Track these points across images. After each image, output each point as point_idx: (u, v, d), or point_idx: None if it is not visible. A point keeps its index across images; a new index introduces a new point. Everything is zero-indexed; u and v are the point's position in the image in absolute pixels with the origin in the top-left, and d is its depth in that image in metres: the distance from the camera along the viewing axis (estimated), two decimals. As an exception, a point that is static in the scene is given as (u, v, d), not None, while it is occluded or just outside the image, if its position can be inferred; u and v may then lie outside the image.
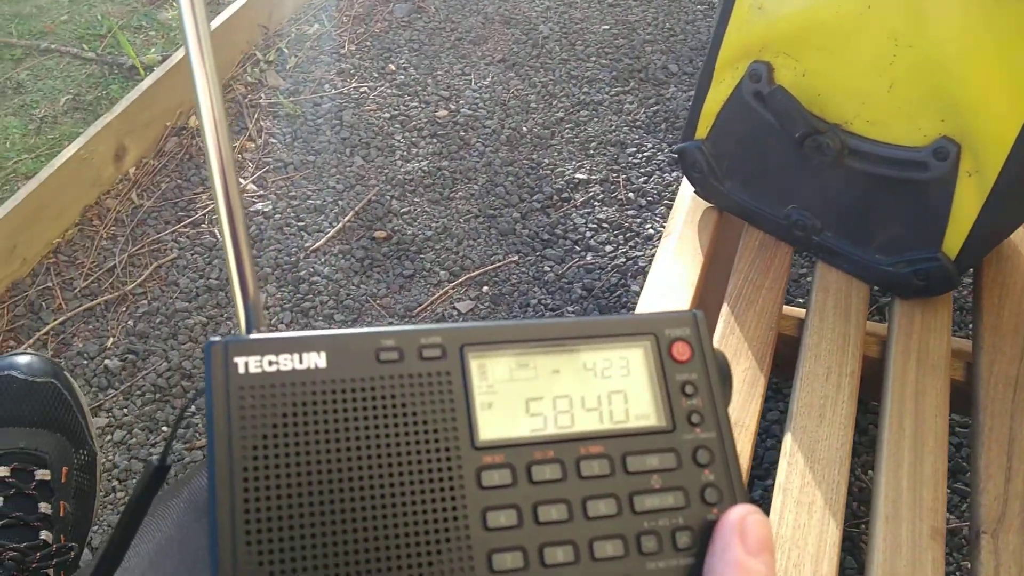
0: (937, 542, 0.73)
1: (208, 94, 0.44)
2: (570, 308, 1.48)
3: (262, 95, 1.90)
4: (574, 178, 1.72)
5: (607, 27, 2.12)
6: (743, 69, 0.90)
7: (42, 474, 0.91)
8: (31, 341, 1.38)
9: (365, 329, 0.32)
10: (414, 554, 0.29)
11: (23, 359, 0.98)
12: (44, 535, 0.88)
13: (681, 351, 0.34)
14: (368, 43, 2.07)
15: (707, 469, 0.33)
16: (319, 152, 1.77)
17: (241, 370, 0.30)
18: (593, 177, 1.72)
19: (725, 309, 0.89)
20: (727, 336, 0.87)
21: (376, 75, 1.97)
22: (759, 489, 1.19)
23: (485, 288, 1.52)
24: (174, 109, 1.79)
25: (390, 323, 1.45)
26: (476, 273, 1.54)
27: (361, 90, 1.93)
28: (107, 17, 2.10)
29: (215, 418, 0.29)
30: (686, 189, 1.03)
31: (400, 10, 2.16)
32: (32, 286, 1.47)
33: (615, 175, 1.73)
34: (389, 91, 1.93)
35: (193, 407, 1.30)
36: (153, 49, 1.99)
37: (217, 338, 0.30)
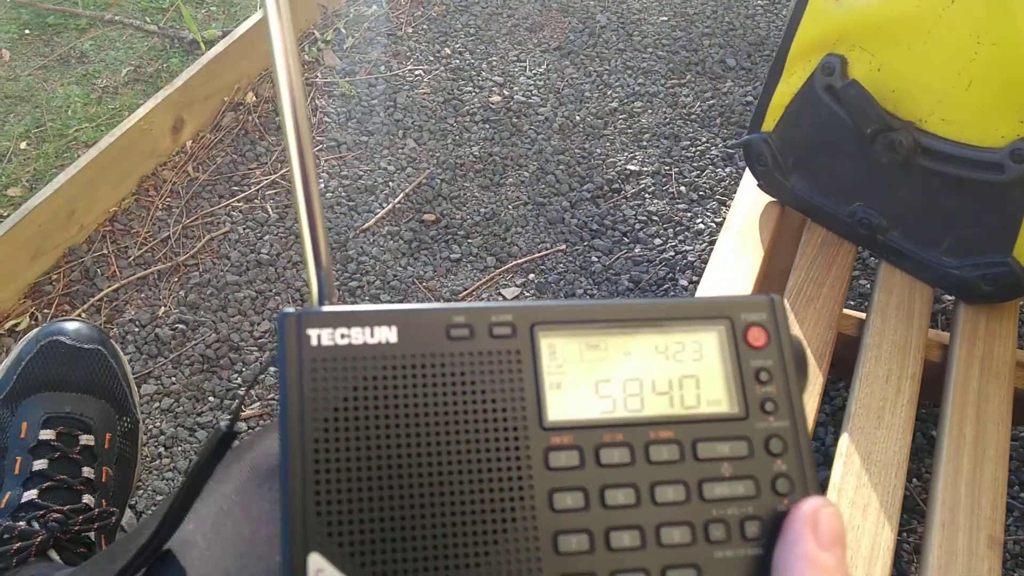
0: (994, 551, 0.72)
1: (285, 56, 0.44)
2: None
3: (318, 74, 1.90)
4: (626, 169, 1.71)
5: (665, 19, 2.10)
6: (816, 62, 0.88)
7: (86, 439, 0.92)
8: (85, 306, 1.40)
9: (436, 305, 0.32)
10: (480, 532, 0.29)
11: (71, 325, 0.99)
12: (86, 499, 0.89)
13: (757, 337, 0.34)
14: (425, 26, 2.07)
15: (779, 459, 0.32)
16: (372, 133, 1.77)
17: (314, 342, 0.30)
18: (645, 169, 1.71)
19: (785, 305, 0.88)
20: (786, 332, 0.86)
21: (431, 58, 1.97)
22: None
23: (531, 276, 1.52)
24: (232, 84, 1.80)
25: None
26: (523, 260, 1.54)
27: (416, 73, 1.93)
28: (169, -9, 2.12)
29: (288, 389, 0.29)
30: (748, 182, 1.02)
31: (457, -6, 2.16)
32: (88, 252, 1.49)
33: (667, 168, 1.72)
34: (444, 75, 1.92)
35: (239, 378, 1.31)
36: (214, 24, 2.00)
37: (291, 310, 0.31)
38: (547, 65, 1.96)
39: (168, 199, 1.61)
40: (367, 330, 0.30)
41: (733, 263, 0.91)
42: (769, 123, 0.95)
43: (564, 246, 1.57)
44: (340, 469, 0.29)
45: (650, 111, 1.85)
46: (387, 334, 0.31)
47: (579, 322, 0.33)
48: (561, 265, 1.54)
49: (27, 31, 1.98)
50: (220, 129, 1.75)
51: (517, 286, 1.50)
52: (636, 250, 1.56)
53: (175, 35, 1.96)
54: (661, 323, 0.34)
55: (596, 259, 1.55)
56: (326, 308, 0.31)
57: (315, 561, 0.28)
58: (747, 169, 1.00)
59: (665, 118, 1.83)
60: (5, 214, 1.51)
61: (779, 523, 0.31)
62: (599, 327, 0.33)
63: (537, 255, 1.55)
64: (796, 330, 0.86)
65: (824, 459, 1.20)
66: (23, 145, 1.70)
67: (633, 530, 0.31)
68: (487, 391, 0.31)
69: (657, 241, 1.58)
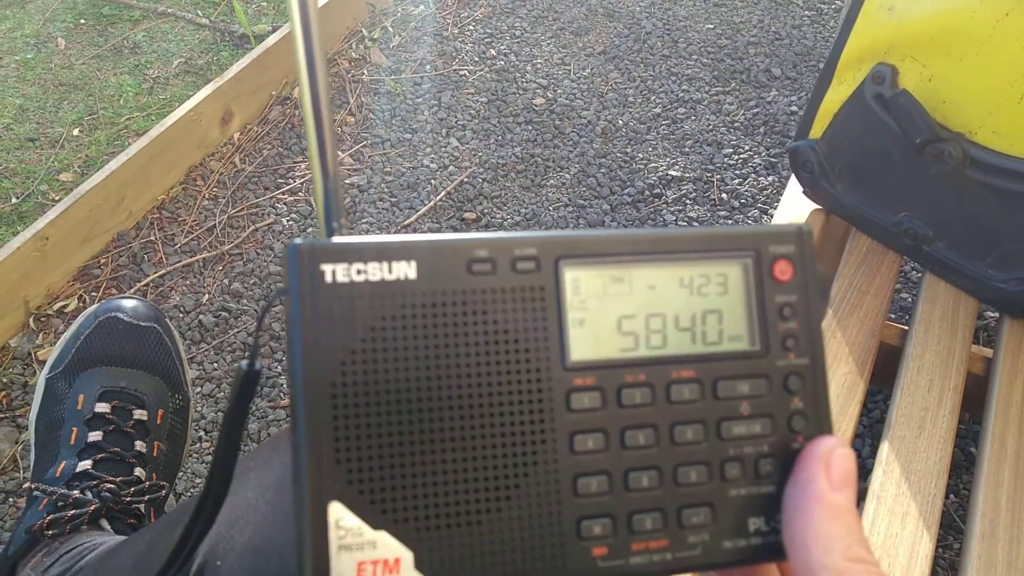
0: (1034, 565, 0.71)
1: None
2: (655, 304, 1.48)
3: (365, 71, 1.93)
4: (667, 175, 1.71)
5: (711, 26, 2.10)
6: (866, 71, 0.88)
7: (139, 414, 0.94)
8: (132, 291, 1.42)
9: (457, 236, 0.30)
10: (501, 476, 0.29)
11: (128, 303, 1.02)
12: (138, 472, 0.91)
13: (783, 270, 0.33)
14: (471, 27, 2.09)
15: (797, 397, 0.32)
16: (416, 131, 1.79)
17: (328, 279, 0.28)
18: (687, 175, 1.71)
19: (827, 312, 0.88)
20: (828, 340, 0.86)
21: (476, 59, 1.99)
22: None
23: (571, 277, 1.53)
24: (280, 79, 1.83)
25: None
26: (563, 261, 1.55)
27: (461, 73, 1.94)
28: (221, -14, 2.15)
29: (302, 330, 0.28)
30: (793, 189, 1.02)
31: (504, -3, 2.17)
32: (136, 238, 1.52)
33: (709, 175, 1.72)
34: (488, 76, 1.94)
35: (279, 367, 1.33)
36: (264, 19, 2.03)
37: (300, 240, 0.29)
38: (591, 69, 1.97)
39: (215, 189, 1.64)
40: (384, 265, 0.29)
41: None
42: (816, 130, 0.95)
43: (603, 249, 1.57)
44: (359, 414, 0.28)
45: (693, 118, 1.85)
46: (406, 269, 0.29)
47: (606, 254, 0.32)
48: (599, 268, 1.54)
49: (82, 21, 2.03)
50: (267, 122, 1.78)
51: (555, 287, 1.51)
52: (675, 255, 1.56)
53: (226, 29, 2.00)
54: (688, 254, 0.32)
55: (635, 263, 1.55)
56: (339, 239, 0.29)
57: (335, 510, 0.27)
58: (792, 176, 1.01)
59: (708, 125, 1.83)
60: (57, 198, 1.55)
61: (792, 461, 0.31)
62: (625, 259, 0.32)
63: (576, 257, 1.56)
64: (837, 338, 0.86)
65: (860, 470, 1.20)
66: (76, 132, 1.74)
67: (651, 470, 0.31)
68: (510, 330, 0.30)
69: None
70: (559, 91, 1.91)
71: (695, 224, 1.61)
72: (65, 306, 1.39)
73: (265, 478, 0.52)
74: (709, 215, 1.63)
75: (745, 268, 0.33)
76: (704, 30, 2.09)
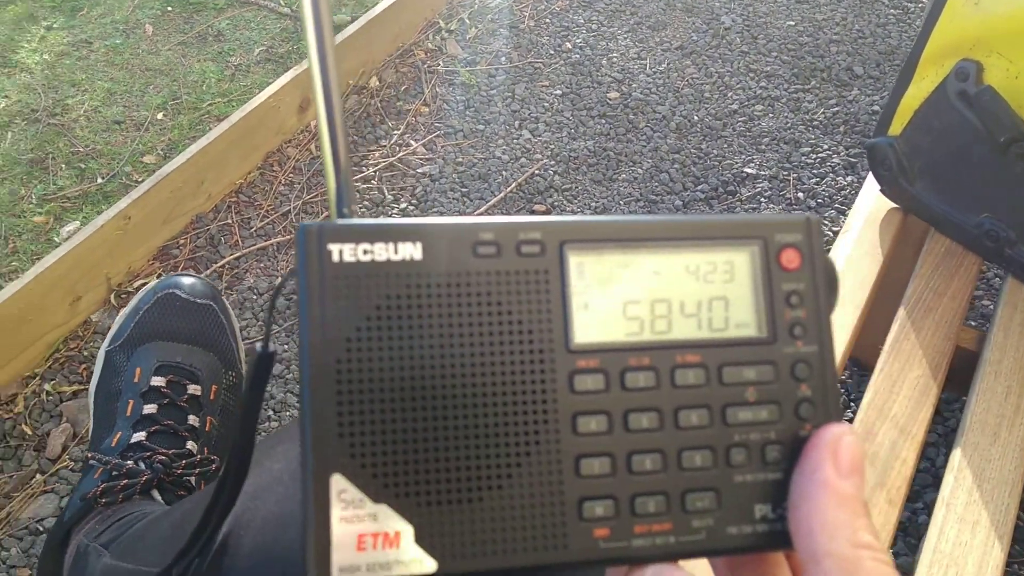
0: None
1: None
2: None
3: (440, 62, 1.94)
4: (742, 172, 1.69)
5: (792, 23, 2.06)
6: (949, 67, 0.85)
7: (193, 389, 0.97)
8: (208, 271, 1.46)
9: (463, 219, 0.30)
10: (503, 455, 0.29)
11: (186, 280, 1.04)
12: (190, 445, 0.94)
13: (790, 259, 0.32)
14: (547, 20, 2.08)
15: (804, 384, 0.32)
16: (489, 122, 1.80)
17: (335, 258, 0.29)
18: (762, 173, 1.68)
19: (901, 313, 0.86)
20: (901, 341, 0.84)
21: (552, 52, 1.98)
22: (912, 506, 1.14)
23: (640, 272, 1.52)
24: (357, 69, 1.86)
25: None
26: (632, 256, 1.54)
27: (536, 66, 1.94)
28: (303, -24, 2.19)
29: (309, 307, 0.29)
30: (870, 187, 1.00)
31: (582, -10, 2.17)
32: (214, 221, 1.56)
33: (785, 173, 1.69)
34: (563, 69, 1.94)
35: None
36: (344, 10, 2.06)
37: (310, 222, 0.30)
38: (668, 64, 1.95)
39: (291, 175, 1.67)
40: (391, 246, 0.29)
41: (850, 268, 0.90)
42: (896, 127, 0.92)
43: (673, 245, 1.56)
44: (363, 390, 0.28)
45: (771, 115, 1.82)
46: (411, 250, 0.30)
47: (610, 240, 0.32)
48: (669, 264, 1.53)
49: (169, 8, 2.09)
50: (343, 111, 1.80)
51: (623, 282, 1.50)
52: (746, 254, 1.54)
53: (307, 19, 2.03)
54: (694, 242, 0.32)
55: (705, 260, 1.53)
56: (347, 221, 0.30)
57: (337, 482, 0.28)
58: (869, 174, 0.98)
59: (786, 123, 1.80)
60: (140, 180, 1.60)
61: (799, 448, 0.31)
62: (631, 245, 0.32)
63: (645, 252, 1.55)
64: (911, 340, 0.83)
65: (933, 480, 1.16)
66: (160, 116, 1.79)
67: (655, 454, 0.30)
68: (514, 312, 0.30)
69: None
70: (634, 85, 1.89)
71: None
72: (145, 283, 1.44)
73: (290, 451, 0.53)
74: (785, 213, 1.60)
75: (752, 256, 0.33)
76: (785, 27, 2.05)
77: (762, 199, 1.63)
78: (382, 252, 0.29)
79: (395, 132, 1.76)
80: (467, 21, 2.06)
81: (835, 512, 0.27)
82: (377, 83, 1.86)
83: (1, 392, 1.38)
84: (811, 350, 0.32)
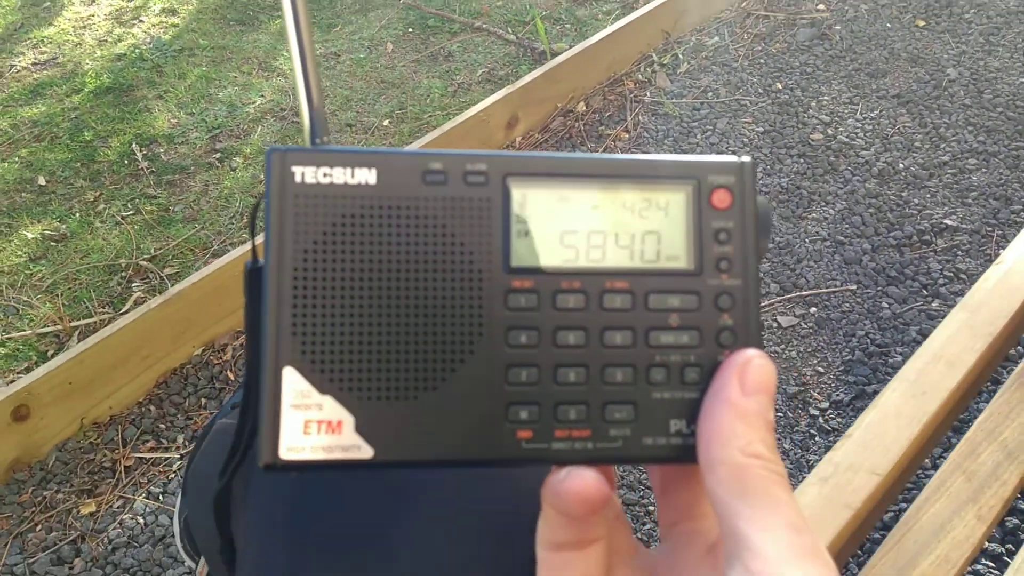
0: None
1: None
2: (899, 348, 1.41)
3: (648, 93, 2.01)
4: (941, 223, 1.62)
5: (1025, 80, 1.96)
6: None
7: None
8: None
9: (415, 150, 0.32)
10: (440, 360, 0.32)
11: None
12: None
13: (721, 198, 0.34)
14: (762, 60, 2.10)
15: (727, 314, 0.33)
16: (685, 152, 1.84)
17: (298, 179, 0.31)
18: (963, 226, 1.61)
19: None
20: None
21: (761, 91, 2.00)
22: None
23: (813, 309, 1.50)
24: (567, 93, 1.96)
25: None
26: (808, 293, 1.52)
27: (742, 102, 1.96)
28: (534, 7, 2.34)
29: (271, 221, 0.31)
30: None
31: (804, 35, 2.16)
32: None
33: (990, 229, 1.60)
34: (769, 107, 1.94)
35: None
36: (565, 39, 2.18)
37: (279, 146, 0.32)
38: (880, 111, 1.91)
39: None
40: (348, 170, 0.32)
41: (995, 294, 0.87)
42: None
43: (855, 287, 1.53)
44: (316, 296, 0.31)
45: (984, 170, 1.74)
46: (367, 175, 0.32)
47: (552, 175, 0.33)
48: (847, 304, 1.50)
49: (410, 30, 2.29)
50: (548, 131, 1.91)
51: (796, 316, 1.49)
52: (934, 304, 1.48)
53: (529, 45, 2.17)
54: (631, 180, 0.34)
55: (887, 305, 1.49)
56: (312, 147, 0.32)
57: (289, 374, 0.31)
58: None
59: (1000, 179, 1.71)
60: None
61: (716, 372, 0.33)
62: (571, 180, 0.34)
63: (824, 290, 1.52)
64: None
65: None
66: (386, 122, 1.98)
67: (579, 368, 0.32)
68: (457, 234, 0.32)
69: (960, 300, 1.48)
70: (840, 128, 1.87)
71: (961, 277, 1.52)
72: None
73: None
74: (982, 269, 1.52)
75: (686, 194, 0.34)
76: (1016, 83, 1.95)
77: (959, 252, 1.56)
78: (340, 176, 0.32)
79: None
80: (680, 57, 2.12)
81: (732, 424, 0.29)
82: (584, 108, 1.96)
83: (216, 341, 1.58)
84: (735, 283, 0.34)
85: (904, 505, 1.21)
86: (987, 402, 0.79)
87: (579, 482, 0.29)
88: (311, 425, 0.31)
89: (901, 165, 1.76)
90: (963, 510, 0.68)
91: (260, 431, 0.31)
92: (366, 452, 0.31)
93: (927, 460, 1.23)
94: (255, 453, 0.34)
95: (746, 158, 0.35)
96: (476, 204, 0.33)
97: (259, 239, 0.43)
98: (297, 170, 0.31)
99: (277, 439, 0.30)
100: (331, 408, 0.31)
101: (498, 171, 0.33)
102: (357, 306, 0.31)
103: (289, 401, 0.31)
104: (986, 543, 0.73)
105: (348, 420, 0.31)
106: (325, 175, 0.32)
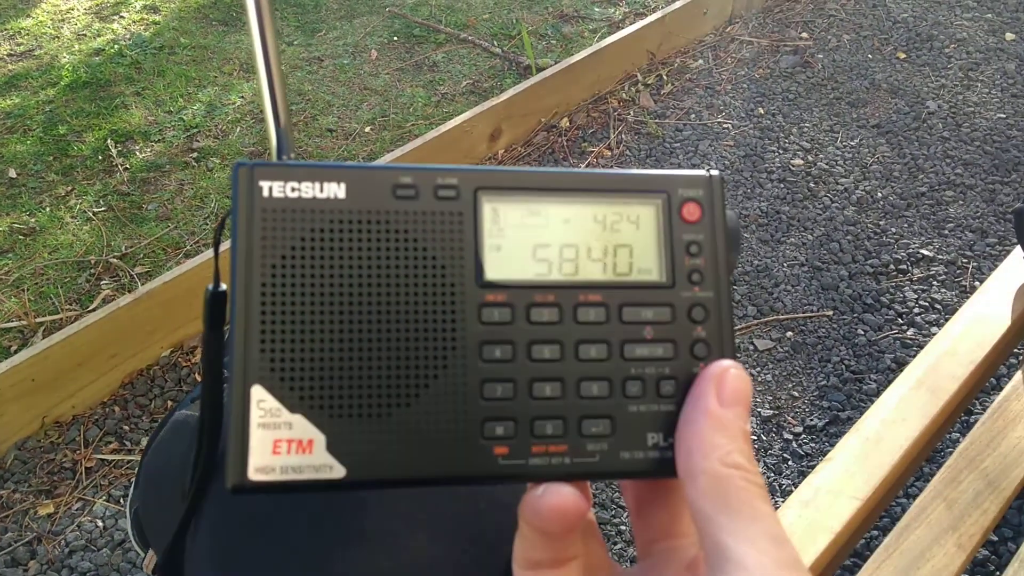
0: None
1: None
2: (873, 375, 1.41)
3: (631, 112, 2.01)
4: (918, 252, 1.63)
5: (1003, 116, 1.98)
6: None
7: None
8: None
9: (386, 165, 0.32)
10: (412, 376, 0.31)
11: None
12: None
13: (691, 211, 0.34)
14: (745, 85, 2.11)
15: (700, 326, 0.33)
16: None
17: (265, 193, 0.31)
18: (939, 257, 1.62)
19: (1017, 377, 0.82)
20: (1011, 401, 0.80)
21: (743, 115, 2.01)
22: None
23: (789, 333, 1.50)
24: (551, 108, 1.96)
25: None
26: (784, 317, 1.52)
27: (724, 126, 1.97)
28: (520, 22, 2.34)
29: (238, 236, 0.31)
30: (1016, 256, 0.96)
31: (787, 62, 2.18)
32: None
33: (965, 260, 1.62)
34: (751, 132, 1.95)
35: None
36: (551, 55, 2.18)
37: (246, 160, 0.32)
38: (860, 140, 1.93)
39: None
40: (317, 184, 0.31)
41: (976, 325, 0.86)
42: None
43: (832, 312, 1.53)
44: (284, 312, 0.30)
45: (961, 202, 1.75)
46: (336, 190, 0.31)
47: (523, 189, 0.33)
48: (823, 330, 1.50)
49: (395, 38, 2.28)
50: (531, 145, 1.90)
51: (772, 340, 1.49)
52: (908, 332, 1.49)
53: (514, 59, 2.16)
54: (602, 194, 0.34)
55: (862, 332, 1.49)
56: (278, 162, 0.32)
57: (257, 392, 0.30)
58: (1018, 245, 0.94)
59: (976, 211, 1.73)
60: (337, 180, 1.76)
61: (692, 384, 0.32)
62: (542, 195, 0.34)
63: (801, 315, 1.53)
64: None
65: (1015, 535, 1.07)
66: (367, 129, 1.96)
67: (555, 382, 0.32)
68: (428, 249, 0.32)
69: (935, 329, 1.49)
70: (820, 156, 1.88)
71: (936, 307, 1.53)
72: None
73: None
74: (955, 300, 1.54)
75: (656, 208, 0.34)
76: (994, 118, 1.97)
77: (934, 282, 1.57)
78: (308, 190, 0.31)
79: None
80: (664, 78, 2.13)
81: (712, 435, 0.29)
82: (567, 123, 1.95)
83: (185, 343, 1.55)
84: (708, 295, 0.34)
85: (875, 532, 1.21)
86: (960, 432, 0.79)
87: (557, 498, 0.28)
88: (281, 445, 0.30)
89: (879, 194, 1.78)
90: (943, 538, 0.67)
91: (227, 451, 0.30)
92: (338, 472, 0.30)
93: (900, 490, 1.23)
94: (220, 476, 0.32)
95: (715, 172, 0.34)
96: (447, 218, 0.32)
97: (224, 252, 0.42)
98: (264, 184, 0.31)
99: (245, 460, 0.29)
100: (301, 427, 0.30)
101: (469, 185, 0.33)
102: (327, 322, 0.31)
103: (257, 420, 0.30)
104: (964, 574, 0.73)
105: (319, 439, 0.30)
106: (293, 189, 0.31)
